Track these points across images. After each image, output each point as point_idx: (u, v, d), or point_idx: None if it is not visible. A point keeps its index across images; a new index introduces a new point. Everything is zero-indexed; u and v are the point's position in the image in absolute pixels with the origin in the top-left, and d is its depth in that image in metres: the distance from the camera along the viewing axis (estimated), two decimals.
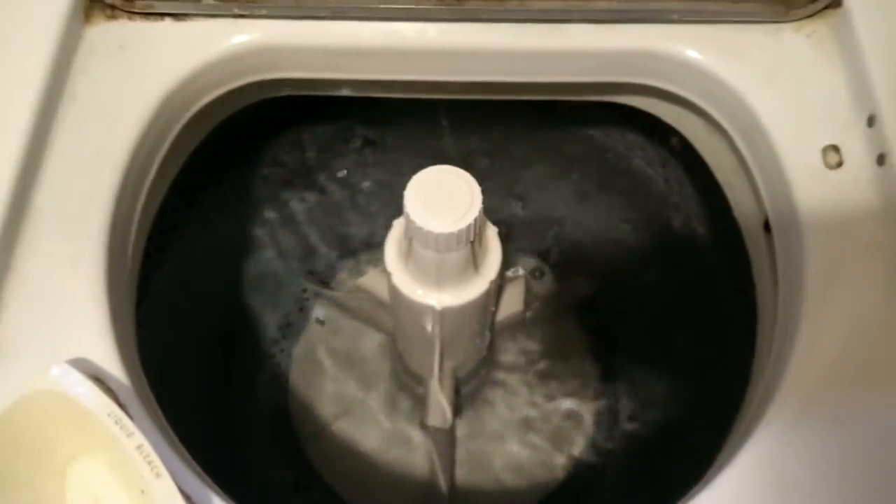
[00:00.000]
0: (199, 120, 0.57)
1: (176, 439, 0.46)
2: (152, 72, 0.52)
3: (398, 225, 0.53)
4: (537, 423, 0.74)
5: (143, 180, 0.53)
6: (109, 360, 0.44)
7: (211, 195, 0.69)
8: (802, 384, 0.43)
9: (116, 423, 0.40)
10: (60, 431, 0.41)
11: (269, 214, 0.78)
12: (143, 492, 0.39)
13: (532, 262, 0.79)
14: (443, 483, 0.69)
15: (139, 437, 0.39)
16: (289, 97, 0.64)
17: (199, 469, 0.44)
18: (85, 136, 0.50)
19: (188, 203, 0.67)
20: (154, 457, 0.39)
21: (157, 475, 0.38)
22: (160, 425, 0.45)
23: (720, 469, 0.42)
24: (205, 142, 0.63)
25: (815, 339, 0.44)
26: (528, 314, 0.75)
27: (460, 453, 0.73)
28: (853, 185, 0.47)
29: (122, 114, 0.51)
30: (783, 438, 0.41)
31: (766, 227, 0.53)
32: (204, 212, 0.71)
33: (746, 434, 0.43)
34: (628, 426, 0.72)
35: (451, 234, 0.46)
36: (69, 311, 0.45)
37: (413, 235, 0.48)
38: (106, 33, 0.53)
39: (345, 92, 0.63)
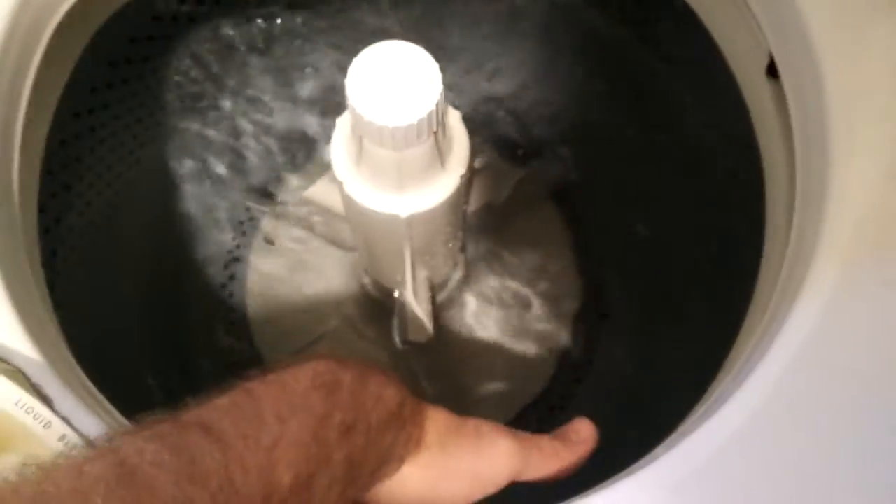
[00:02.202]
0: (76, 20, 0.46)
1: (114, 410, 0.38)
2: None
3: (343, 122, 0.44)
4: (522, 324, 0.68)
5: (15, 105, 0.43)
6: (12, 334, 0.36)
7: (116, 114, 0.59)
8: (840, 247, 0.37)
9: (29, 412, 0.32)
10: None
11: (190, 125, 0.67)
12: None
13: (490, 146, 0.71)
14: (429, 398, 0.63)
15: (59, 427, 0.31)
16: None
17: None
18: None
19: (91, 126, 0.57)
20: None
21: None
22: (91, 401, 0.37)
23: (759, 352, 0.36)
24: (93, 50, 0.52)
25: (848, 193, 0.37)
26: (499, 203, 0.68)
27: (443, 363, 0.67)
28: (878, 7, 0.39)
29: None
30: (829, 313, 0.35)
31: (770, 70, 0.45)
32: (113, 134, 0.60)
33: (779, 314, 0.37)
34: (619, 318, 0.66)
35: (410, 125, 0.37)
36: None
37: (363, 133, 0.39)
38: None
39: None
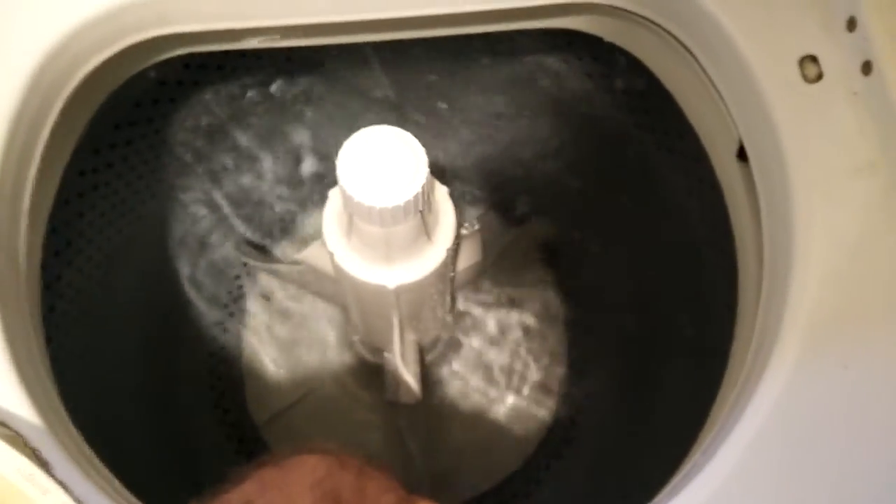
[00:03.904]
0: (87, 90, 0.49)
1: (109, 475, 0.40)
2: (22, 39, 0.44)
3: (334, 196, 0.47)
4: (509, 382, 0.70)
5: (25, 171, 0.45)
6: (12, 398, 0.38)
7: (119, 173, 0.61)
8: (801, 328, 0.39)
9: (28, 479, 0.33)
10: None
11: (189, 186, 0.70)
12: None
13: (486, 209, 0.73)
14: (417, 458, 0.64)
15: (58, 496, 0.33)
16: (190, 54, 0.55)
17: None
18: None
19: (94, 185, 0.59)
20: None
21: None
22: (87, 466, 0.38)
23: (726, 429, 0.38)
24: (101, 114, 0.54)
25: (808, 274, 0.40)
26: (488, 265, 0.70)
27: (433, 420, 0.68)
28: (837, 100, 0.42)
29: None
30: (790, 390, 0.38)
31: (740, 154, 0.48)
32: (115, 192, 0.62)
33: (747, 389, 0.39)
34: (605, 380, 0.68)
35: (397, 206, 0.39)
36: None
37: (353, 211, 0.41)
38: None
39: (253, 43, 0.55)
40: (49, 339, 0.47)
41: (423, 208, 0.42)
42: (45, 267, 0.50)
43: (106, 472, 0.39)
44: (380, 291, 0.47)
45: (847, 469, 0.37)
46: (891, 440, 0.37)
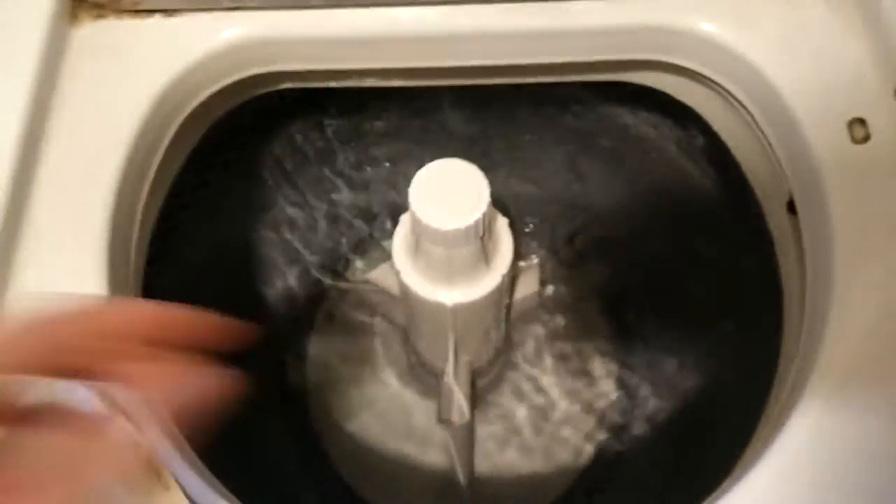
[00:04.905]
0: (196, 118, 0.56)
1: (190, 450, 0.45)
2: (144, 71, 0.51)
3: (405, 220, 0.51)
4: (556, 413, 0.72)
5: (141, 185, 0.52)
6: None
7: (213, 194, 0.68)
8: (833, 373, 0.41)
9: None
10: None
11: (276, 211, 0.76)
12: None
13: (543, 248, 0.77)
14: (462, 478, 0.67)
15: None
16: (288, 89, 0.62)
17: (215, 481, 0.43)
18: (78, 144, 0.49)
19: (190, 203, 0.66)
20: (163, 468, 0.38)
21: (166, 487, 0.37)
22: (170, 433, 0.43)
23: (752, 462, 0.40)
24: (204, 140, 0.61)
25: (846, 320, 0.42)
26: (544, 298, 0.74)
27: (479, 445, 0.71)
28: (882, 160, 0.45)
29: (116, 117, 0.50)
30: (817, 430, 0.40)
31: (790, 207, 0.50)
32: (207, 212, 0.69)
33: (775, 429, 0.41)
34: (651, 415, 0.70)
35: (459, 230, 0.44)
36: None
37: (420, 232, 0.46)
38: (94, 34, 0.51)
39: (344, 83, 0.61)
40: None
41: (482, 234, 0.46)
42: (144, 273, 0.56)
43: (185, 443, 0.44)
44: (438, 309, 0.51)
45: None
46: None
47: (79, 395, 0.39)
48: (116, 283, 0.47)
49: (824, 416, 0.40)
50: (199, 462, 0.44)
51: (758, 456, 0.40)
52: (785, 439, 0.40)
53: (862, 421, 0.39)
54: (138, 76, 0.51)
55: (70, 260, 0.45)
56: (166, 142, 0.54)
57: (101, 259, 0.46)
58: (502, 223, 0.51)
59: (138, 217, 0.52)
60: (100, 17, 0.51)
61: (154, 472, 0.39)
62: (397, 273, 0.52)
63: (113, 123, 0.49)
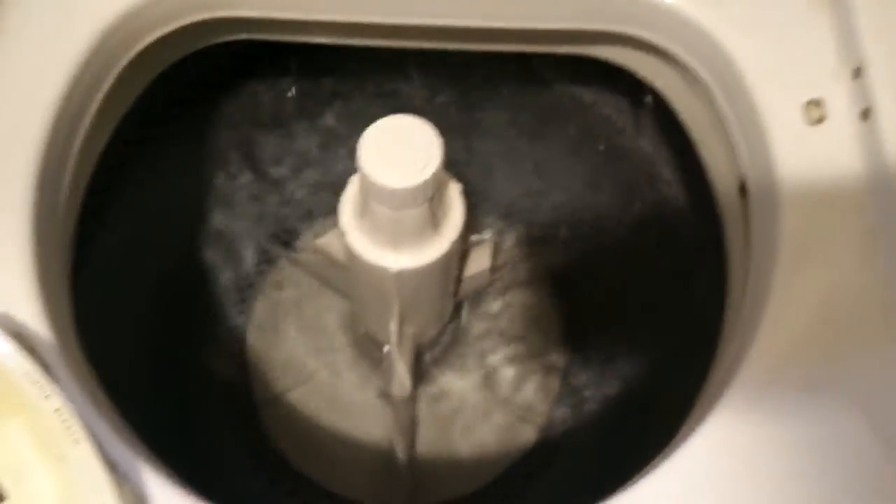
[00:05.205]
0: (143, 62, 0.53)
1: (108, 404, 0.43)
2: (85, 8, 0.48)
3: (354, 181, 0.50)
4: (502, 392, 0.71)
5: (77, 125, 0.49)
6: (33, 315, 0.41)
7: (160, 147, 0.65)
8: (771, 352, 0.41)
9: (34, 384, 0.36)
10: None
11: (224, 170, 0.74)
12: (60, 459, 0.36)
13: (498, 224, 0.76)
14: (401, 453, 0.66)
15: (57, 400, 0.36)
16: (244, 42, 0.60)
17: (131, 436, 0.41)
18: (12, 75, 0.46)
19: (135, 155, 0.63)
20: (73, 422, 0.36)
21: (76, 441, 0.35)
22: (89, 388, 0.41)
23: (684, 439, 0.40)
24: (151, 88, 0.58)
25: (785, 305, 0.42)
26: (495, 278, 0.73)
27: (421, 421, 0.70)
28: (835, 143, 0.44)
29: (55, 52, 0.47)
30: (749, 407, 0.39)
31: (742, 190, 0.50)
32: (153, 165, 0.66)
33: (712, 402, 0.41)
34: (595, 399, 0.69)
35: (407, 189, 0.42)
36: None
37: (367, 190, 0.44)
38: None
39: (303, 37, 0.59)
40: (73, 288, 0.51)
41: (432, 196, 0.44)
42: (81, 222, 0.53)
43: (102, 394, 0.42)
44: (383, 275, 0.50)
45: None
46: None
47: None
48: (42, 222, 0.44)
49: (753, 398, 0.39)
50: (116, 416, 0.42)
51: (687, 435, 0.40)
52: (714, 419, 0.39)
53: (790, 407, 0.39)
54: (83, 10, 0.48)
55: None
56: (106, 88, 0.51)
57: (25, 196, 0.43)
58: (454, 189, 0.50)
59: (71, 162, 0.49)
60: None
61: (64, 423, 0.37)
62: (342, 235, 0.50)
63: (51, 57, 0.47)
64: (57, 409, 0.36)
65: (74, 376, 0.41)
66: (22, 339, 0.40)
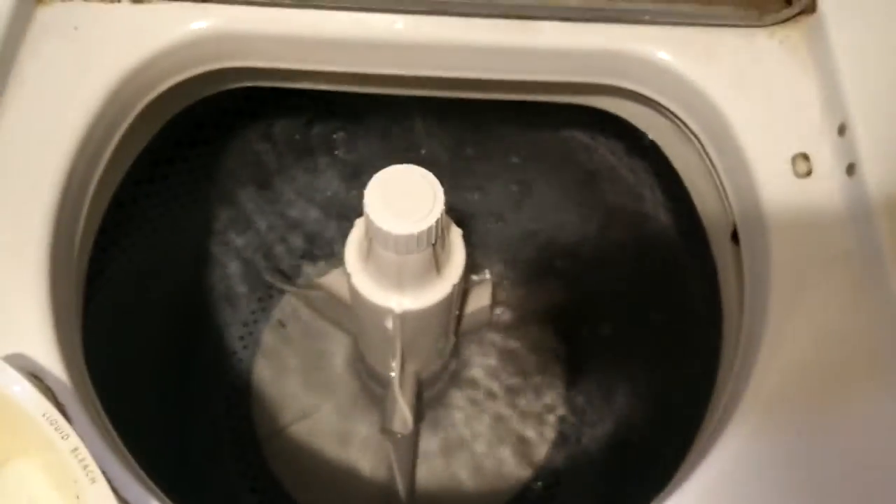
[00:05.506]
0: (156, 108, 0.55)
1: (119, 443, 0.44)
2: (107, 56, 0.50)
3: (359, 224, 0.51)
4: (501, 429, 0.73)
5: (93, 169, 0.51)
6: (49, 356, 0.42)
7: (169, 187, 0.67)
8: (764, 396, 0.42)
9: (52, 424, 0.38)
10: None
11: (234, 207, 0.76)
12: (77, 497, 0.37)
13: (498, 265, 0.78)
14: (401, 489, 0.67)
15: (75, 440, 0.37)
16: (253, 88, 0.62)
17: (142, 475, 0.43)
18: (32, 122, 0.48)
19: (147, 194, 0.65)
20: (90, 461, 0.37)
21: (92, 480, 0.36)
22: (102, 427, 0.43)
23: (680, 482, 0.41)
24: (162, 132, 0.61)
25: (778, 349, 0.43)
26: (495, 316, 0.74)
27: (421, 458, 0.71)
28: (822, 195, 0.46)
29: (73, 99, 0.49)
30: (743, 453, 0.41)
31: (734, 236, 0.52)
32: (164, 203, 0.68)
33: (707, 447, 0.42)
34: (593, 434, 0.71)
35: (412, 235, 0.44)
36: (6, 303, 0.43)
37: (373, 236, 0.46)
38: (59, 14, 0.51)
39: (309, 84, 0.61)
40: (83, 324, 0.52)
41: (435, 242, 0.46)
42: (92, 260, 0.55)
43: (114, 434, 0.43)
44: (386, 315, 0.51)
45: None
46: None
47: (8, 377, 0.38)
48: (58, 263, 0.46)
49: (750, 440, 0.41)
50: (127, 455, 0.43)
51: (683, 478, 0.41)
52: (710, 463, 0.41)
53: (786, 444, 0.41)
54: (99, 61, 0.50)
55: (9, 238, 0.44)
56: (123, 129, 0.53)
57: (43, 238, 0.45)
58: (456, 233, 0.52)
59: (87, 204, 0.51)
60: None
61: (81, 463, 0.38)
62: (348, 276, 0.52)
63: (69, 105, 0.49)
64: (74, 449, 0.37)
65: (88, 416, 0.42)
66: (38, 379, 0.41)
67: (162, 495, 0.41)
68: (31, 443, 0.38)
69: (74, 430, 0.39)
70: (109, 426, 0.44)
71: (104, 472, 0.37)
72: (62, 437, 0.37)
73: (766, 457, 0.40)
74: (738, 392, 0.43)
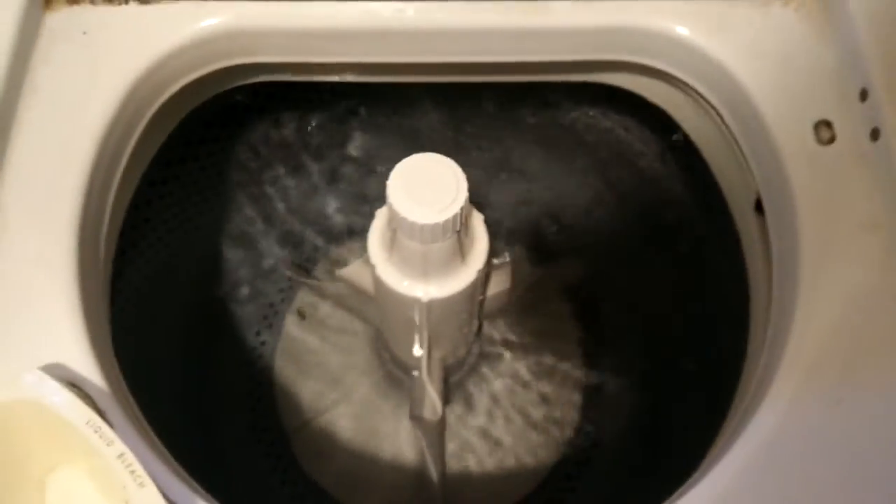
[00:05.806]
0: (169, 108, 0.55)
1: (160, 444, 0.44)
2: (118, 59, 0.50)
3: (381, 214, 0.51)
4: (527, 410, 0.73)
5: (112, 173, 0.51)
6: (85, 364, 0.43)
7: (184, 185, 0.67)
8: (800, 365, 0.42)
9: (96, 431, 0.38)
10: (38, 442, 0.39)
11: (248, 203, 0.75)
12: (126, 502, 0.37)
13: (518, 246, 0.78)
14: (433, 474, 0.68)
15: (120, 446, 0.37)
16: (265, 82, 0.62)
17: (185, 475, 0.43)
18: (49, 130, 0.48)
19: (161, 195, 0.65)
20: (137, 466, 0.37)
21: (141, 485, 0.37)
22: (142, 431, 0.43)
23: (719, 456, 0.41)
24: (177, 130, 0.61)
25: (811, 320, 0.43)
26: (515, 298, 0.74)
27: (450, 442, 0.72)
28: (846, 162, 0.46)
29: (88, 104, 0.49)
30: (783, 421, 0.41)
31: (757, 206, 0.52)
32: (178, 203, 0.68)
33: (745, 419, 0.42)
34: (619, 411, 0.71)
35: (437, 224, 0.44)
36: (40, 313, 0.43)
37: (397, 226, 0.46)
38: (68, 19, 0.51)
39: (321, 77, 0.61)
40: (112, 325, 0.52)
41: (459, 230, 0.46)
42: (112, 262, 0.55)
43: (154, 436, 0.43)
44: (412, 305, 0.51)
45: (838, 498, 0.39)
46: (880, 468, 0.39)
47: (49, 387, 0.39)
48: (85, 269, 0.46)
49: (790, 409, 0.41)
50: (169, 456, 0.43)
51: (725, 449, 0.41)
52: (751, 432, 0.41)
53: (827, 413, 0.41)
54: (111, 64, 0.50)
55: (38, 249, 0.45)
56: (139, 132, 0.53)
57: (70, 245, 0.45)
58: (478, 219, 0.52)
59: (108, 207, 0.51)
60: (74, 2, 0.50)
61: (128, 468, 0.39)
62: (372, 268, 0.52)
63: (84, 110, 0.49)
64: (120, 455, 0.37)
65: (129, 420, 0.42)
66: (77, 388, 0.41)
67: (207, 495, 0.41)
68: (76, 451, 0.39)
69: (117, 435, 0.39)
70: (149, 429, 0.45)
71: (151, 476, 0.37)
72: (107, 444, 0.37)
73: (807, 426, 0.40)
74: (772, 362, 0.43)
